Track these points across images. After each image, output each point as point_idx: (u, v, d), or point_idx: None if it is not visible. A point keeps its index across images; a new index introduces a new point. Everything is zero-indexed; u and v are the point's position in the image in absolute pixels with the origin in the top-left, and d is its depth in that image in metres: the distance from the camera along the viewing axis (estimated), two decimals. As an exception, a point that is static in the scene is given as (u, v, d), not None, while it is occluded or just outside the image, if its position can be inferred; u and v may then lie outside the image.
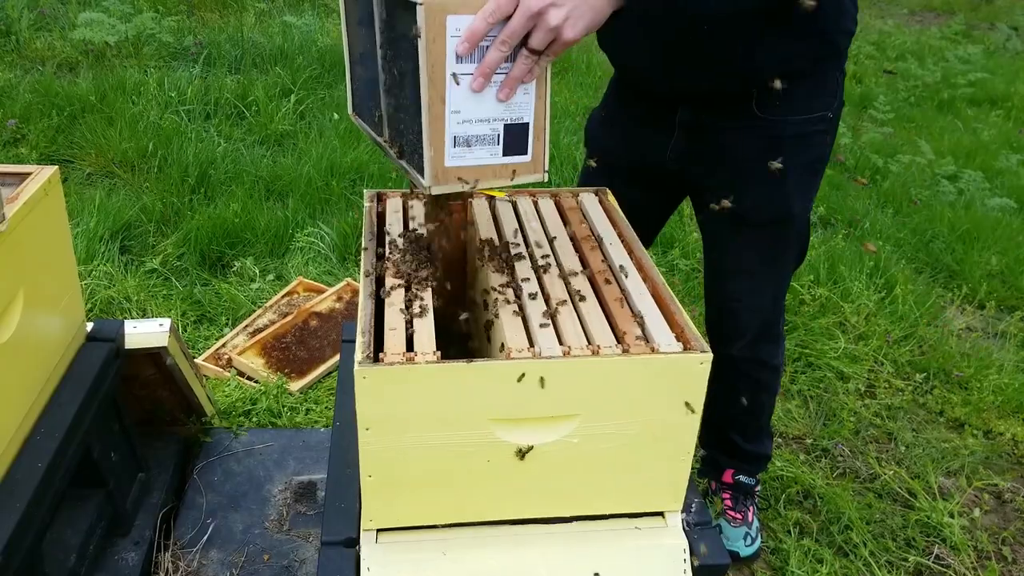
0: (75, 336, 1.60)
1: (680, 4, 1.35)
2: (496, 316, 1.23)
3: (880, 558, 2.07)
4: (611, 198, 1.58)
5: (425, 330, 1.16)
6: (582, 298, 1.25)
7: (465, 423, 1.12)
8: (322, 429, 2.18)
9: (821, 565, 2.00)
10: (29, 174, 1.45)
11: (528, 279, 1.30)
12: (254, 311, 2.80)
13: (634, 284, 1.28)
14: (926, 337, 3.03)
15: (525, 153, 1.19)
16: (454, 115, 1.12)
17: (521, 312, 1.22)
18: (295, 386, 2.45)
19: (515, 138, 1.17)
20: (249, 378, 2.50)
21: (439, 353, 1.10)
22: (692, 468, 1.26)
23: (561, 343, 1.14)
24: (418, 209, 1.49)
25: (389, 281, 1.27)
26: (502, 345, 1.18)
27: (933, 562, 2.09)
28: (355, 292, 2.89)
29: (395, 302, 1.22)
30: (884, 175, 4.44)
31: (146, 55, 4.88)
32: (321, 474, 1.97)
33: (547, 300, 1.25)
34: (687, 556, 1.24)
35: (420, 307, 1.20)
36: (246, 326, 2.72)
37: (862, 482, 2.34)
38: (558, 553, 1.22)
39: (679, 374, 1.14)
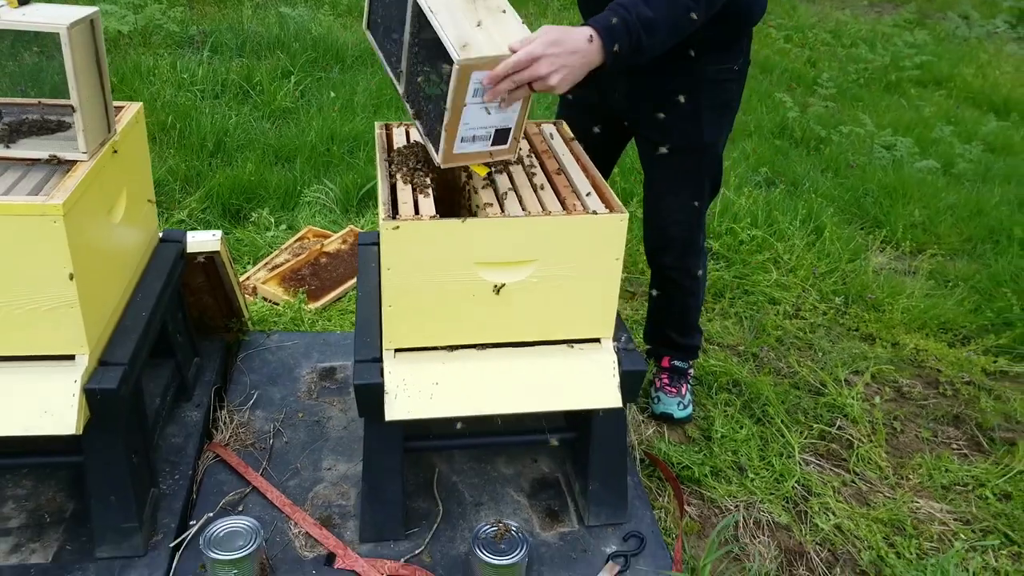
0: (153, 236, 2.07)
1: (643, 53, 1.73)
2: (477, 193, 1.71)
3: (791, 427, 2.56)
4: (565, 128, 2.07)
5: (427, 201, 1.64)
6: (541, 186, 1.74)
7: (457, 265, 1.60)
8: (339, 332, 2.65)
9: (741, 428, 2.49)
10: (123, 107, 1.91)
11: (501, 173, 1.78)
12: (271, 252, 3.26)
13: (577, 175, 1.77)
14: (848, 271, 3.53)
15: (505, 144, 1.69)
16: (464, 126, 1.61)
17: (495, 191, 1.70)
18: (312, 306, 2.91)
19: (501, 137, 1.67)
20: (272, 303, 2.96)
21: (438, 215, 1.58)
22: (637, 338, 1.72)
23: (524, 209, 1.63)
24: (416, 134, 1.97)
25: (399, 175, 1.74)
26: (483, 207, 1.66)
27: (835, 431, 2.58)
28: (357, 237, 3.35)
29: (405, 186, 1.70)
30: (826, 144, 4.95)
31: (155, 43, 5.32)
32: (340, 361, 2.44)
33: (515, 186, 1.73)
34: (616, 367, 1.72)
35: (423, 188, 1.68)
36: (266, 263, 3.19)
37: (782, 377, 2.84)
38: (522, 364, 1.70)
39: (606, 230, 1.62)
